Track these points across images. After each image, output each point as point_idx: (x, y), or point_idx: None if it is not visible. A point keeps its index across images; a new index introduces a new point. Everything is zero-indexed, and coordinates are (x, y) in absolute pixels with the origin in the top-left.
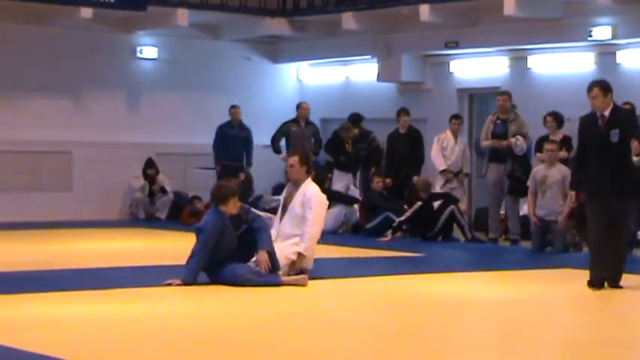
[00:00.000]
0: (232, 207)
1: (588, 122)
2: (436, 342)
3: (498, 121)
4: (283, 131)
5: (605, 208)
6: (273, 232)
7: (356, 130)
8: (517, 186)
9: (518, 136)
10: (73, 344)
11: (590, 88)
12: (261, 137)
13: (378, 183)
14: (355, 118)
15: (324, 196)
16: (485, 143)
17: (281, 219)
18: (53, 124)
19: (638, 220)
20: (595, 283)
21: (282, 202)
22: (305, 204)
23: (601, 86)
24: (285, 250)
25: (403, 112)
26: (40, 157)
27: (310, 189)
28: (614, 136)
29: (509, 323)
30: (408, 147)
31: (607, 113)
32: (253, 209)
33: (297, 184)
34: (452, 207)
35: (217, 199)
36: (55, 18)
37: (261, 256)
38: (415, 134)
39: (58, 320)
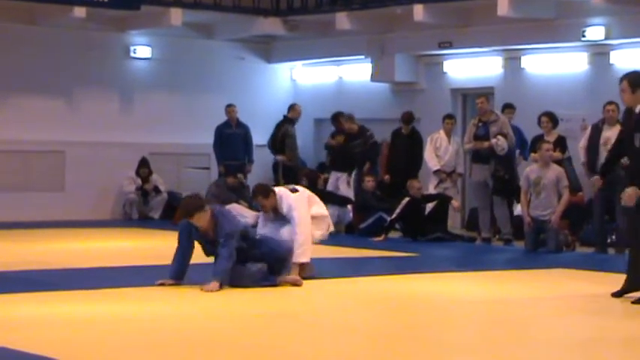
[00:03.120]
0: (200, 221)
1: (626, 115)
2: (431, 342)
3: (480, 124)
4: (284, 133)
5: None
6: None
7: (340, 138)
8: (501, 186)
9: (499, 136)
10: (65, 344)
11: (619, 81)
12: (255, 137)
13: (369, 182)
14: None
15: (298, 194)
16: (468, 146)
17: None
18: (46, 124)
19: None
20: (621, 295)
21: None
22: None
23: (630, 80)
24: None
25: (406, 117)
26: (32, 156)
27: (285, 202)
28: (637, 139)
29: (504, 323)
30: (409, 148)
31: (638, 110)
32: (230, 231)
33: (274, 211)
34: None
35: (183, 214)
36: (49, 17)
37: (212, 286)
38: (416, 137)
39: (50, 320)
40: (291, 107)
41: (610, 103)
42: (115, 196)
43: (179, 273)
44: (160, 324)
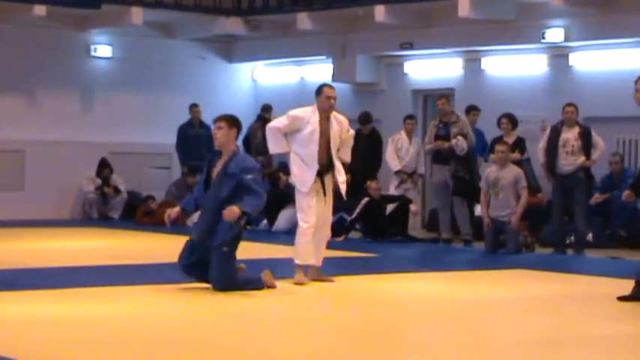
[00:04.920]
0: (219, 131)
1: None
2: (393, 342)
3: (441, 125)
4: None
5: None
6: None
7: None
8: (461, 187)
9: (459, 137)
10: (23, 344)
11: (636, 80)
12: None
13: None
14: None
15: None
16: (429, 147)
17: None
18: (6, 123)
19: (587, 221)
20: (630, 299)
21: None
22: (342, 130)
23: None
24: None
25: (363, 117)
26: None
27: (345, 122)
28: None
29: (464, 323)
30: (369, 148)
31: None
32: (253, 177)
33: (327, 117)
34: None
35: (217, 117)
36: (8, 15)
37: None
38: (376, 137)
39: (8, 320)
40: (269, 108)
41: (569, 104)
42: (74, 195)
43: (189, 205)
44: (117, 323)
